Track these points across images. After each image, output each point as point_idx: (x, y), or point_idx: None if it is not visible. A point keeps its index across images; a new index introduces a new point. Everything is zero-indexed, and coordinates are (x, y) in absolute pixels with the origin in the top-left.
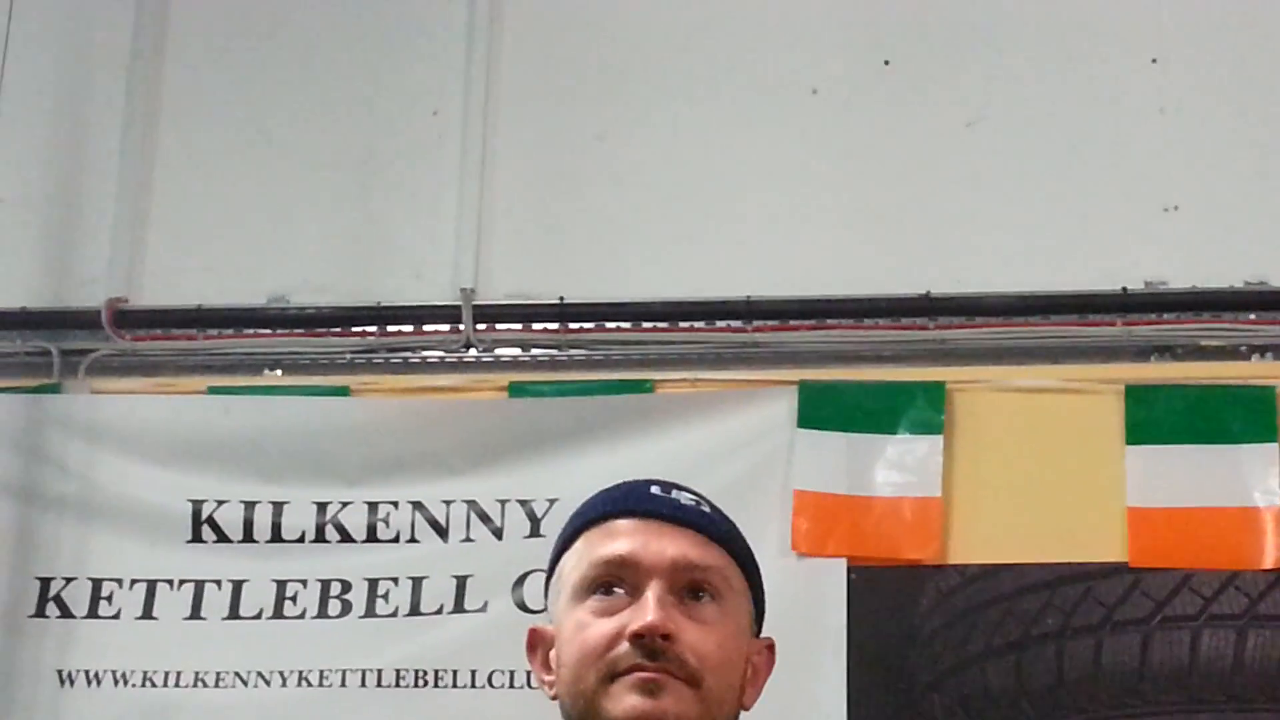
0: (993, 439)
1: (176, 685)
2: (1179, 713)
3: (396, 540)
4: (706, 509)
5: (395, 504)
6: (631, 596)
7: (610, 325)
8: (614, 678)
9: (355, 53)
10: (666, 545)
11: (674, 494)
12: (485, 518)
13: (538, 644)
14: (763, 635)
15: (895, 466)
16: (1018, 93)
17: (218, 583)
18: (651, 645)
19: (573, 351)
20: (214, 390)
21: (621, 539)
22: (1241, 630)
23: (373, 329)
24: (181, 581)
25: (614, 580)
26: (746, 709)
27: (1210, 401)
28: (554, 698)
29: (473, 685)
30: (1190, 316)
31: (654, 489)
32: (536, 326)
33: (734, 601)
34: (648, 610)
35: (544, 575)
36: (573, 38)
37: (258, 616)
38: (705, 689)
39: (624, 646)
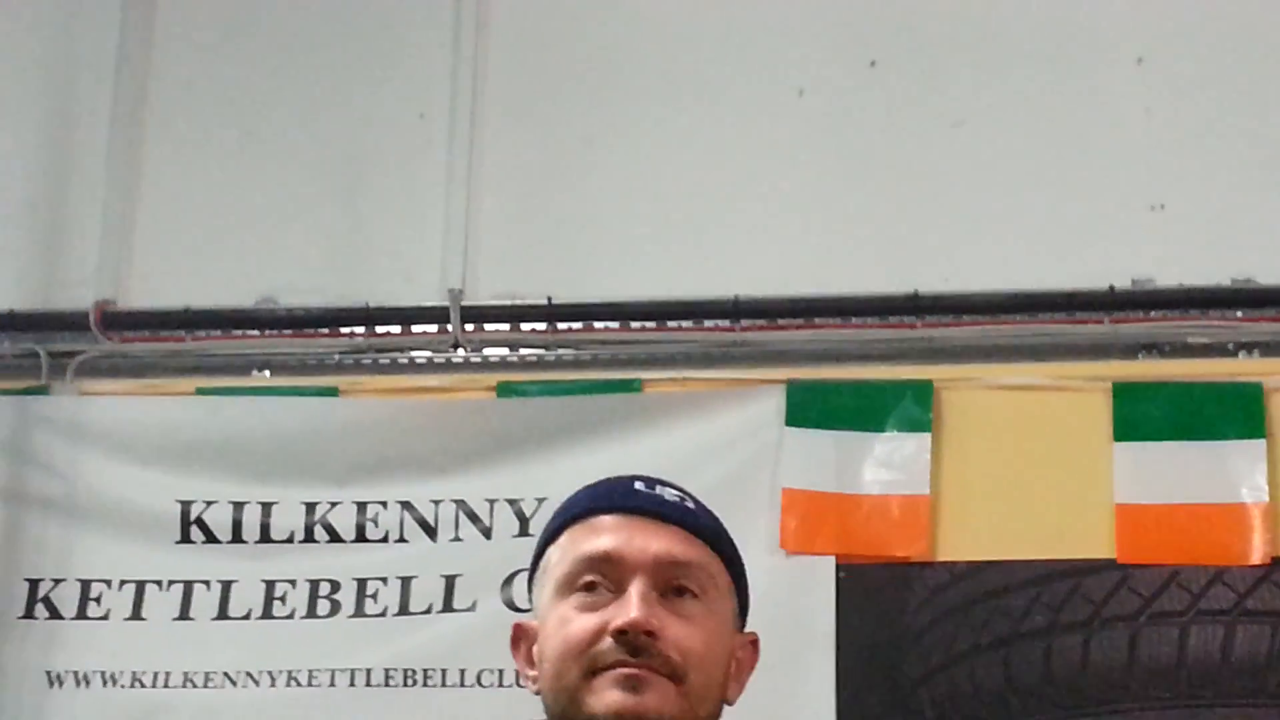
0: (981, 437)
1: (165, 686)
2: (1168, 708)
3: (385, 540)
4: (690, 505)
5: (384, 504)
6: (615, 592)
7: (598, 325)
8: (596, 673)
9: (343, 56)
10: (650, 541)
11: (658, 490)
12: (474, 517)
13: (521, 639)
14: (748, 630)
15: (883, 464)
16: (1004, 93)
17: (206, 583)
18: (634, 642)
19: (561, 351)
20: (202, 391)
21: (605, 535)
22: (1229, 626)
23: (361, 330)
24: (170, 582)
25: (597, 576)
26: (730, 704)
27: (1198, 398)
28: (537, 692)
29: (462, 684)
30: (1177, 314)
31: (638, 485)
32: (524, 327)
33: (717, 597)
34: (631, 607)
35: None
36: (559, 40)
37: (247, 617)
38: (688, 685)
39: (607, 642)
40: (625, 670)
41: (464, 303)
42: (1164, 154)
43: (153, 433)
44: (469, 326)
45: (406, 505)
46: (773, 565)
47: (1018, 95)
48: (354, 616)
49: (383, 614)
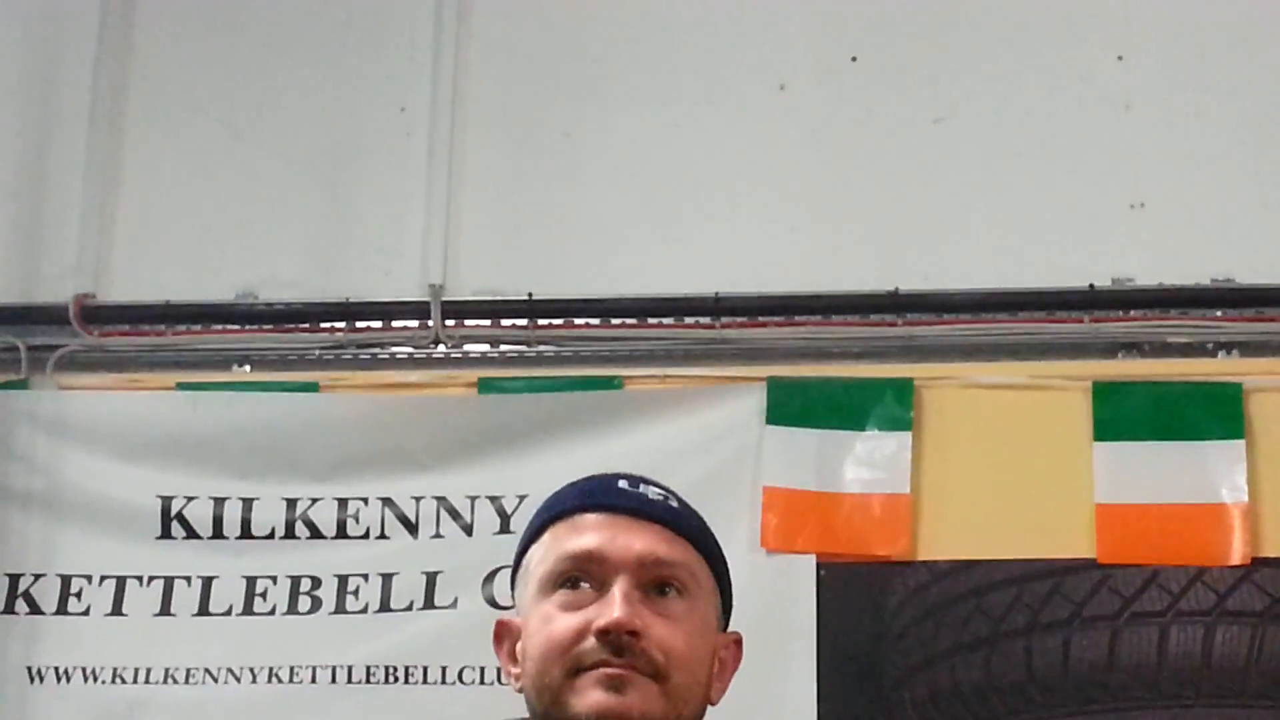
0: (961, 435)
1: (146, 682)
2: (1147, 708)
3: (366, 536)
4: (674, 503)
5: (365, 500)
6: (598, 591)
7: (579, 321)
8: (579, 672)
9: (324, 48)
10: (634, 540)
11: (642, 488)
12: (455, 514)
13: (504, 636)
14: (731, 630)
15: (864, 463)
16: (985, 89)
17: (187, 579)
18: (618, 642)
19: (541, 348)
20: (182, 386)
21: (588, 534)
22: (1209, 626)
23: (341, 325)
24: (151, 578)
25: (580, 575)
26: (713, 704)
27: (1177, 398)
28: (520, 690)
29: (443, 681)
30: (1157, 313)
31: (622, 483)
32: (505, 323)
33: (701, 596)
34: (614, 606)
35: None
36: (541, 34)
37: (228, 613)
38: (671, 685)
39: (590, 642)
40: (608, 670)
41: (445, 298)
42: (1144, 152)
43: (133, 428)
44: (450, 322)
45: (388, 501)
46: (753, 563)
47: (998, 92)
48: (335, 613)
49: (364, 611)
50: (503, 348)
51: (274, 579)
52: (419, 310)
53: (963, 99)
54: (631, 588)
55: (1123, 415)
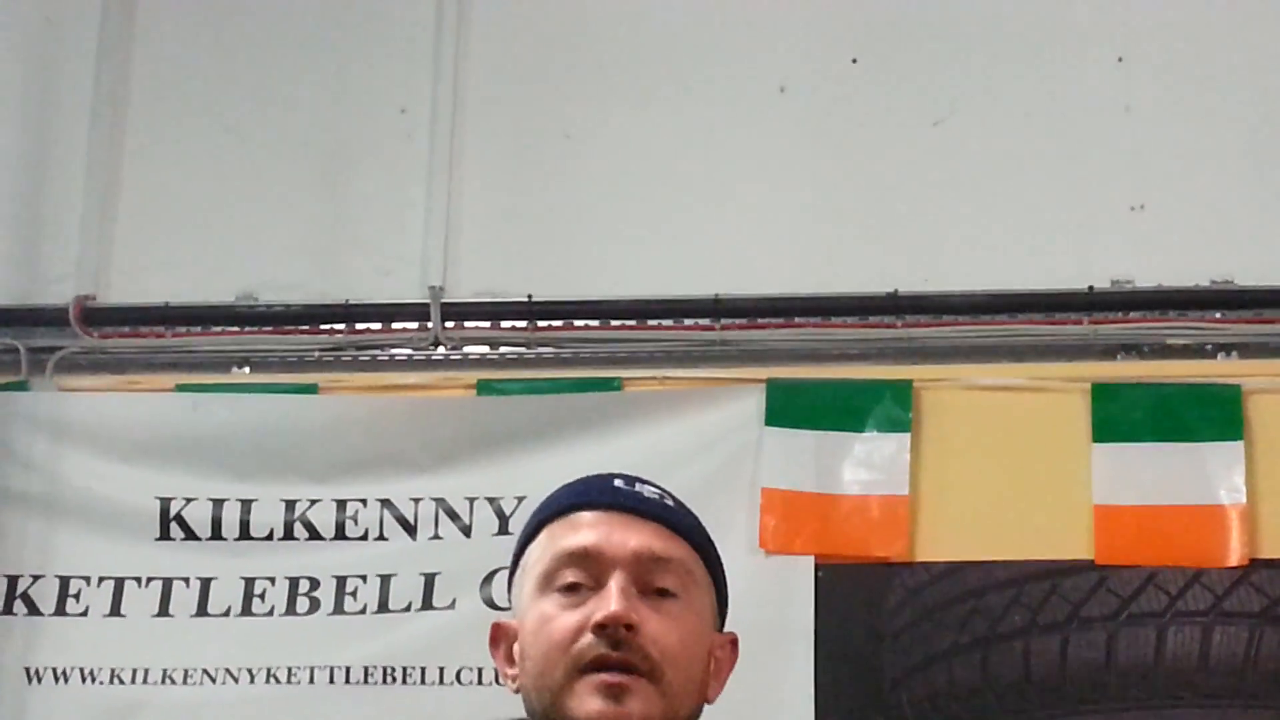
0: (960, 437)
1: (144, 683)
2: (1145, 709)
3: (365, 538)
4: (670, 502)
5: (364, 502)
6: (595, 588)
7: (578, 323)
8: (580, 672)
9: (324, 50)
10: (630, 537)
11: (637, 487)
12: (453, 515)
13: (500, 638)
14: (727, 630)
15: (863, 464)
16: (985, 91)
17: (186, 580)
18: (615, 635)
19: (541, 349)
20: (182, 388)
21: (585, 531)
22: (1207, 627)
23: (341, 327)
24: (149, 579)
25: (577, 572)
26: (709, 703)
27: (1176, 400)
28: (517, 690)
29: (441, 682)
30: (1156, 315)
31: (617, 482)
32: (505, 324)
33: (697, 594)
34: (610, 601)
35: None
36: (541, 35)
37: (226, 614)
38: (667, 683)
39: (588, 638)
40: (607, 677)
41: (444, 300)
42: (1144, 154)
43: (132, 429)
44: (449, 324)
45: (386, 503)
46: (752, 565)
47: (998, 94)
48: (333, 614)
49: (362, 611)
50: (502, 349)
51: (272, 580)
52: (418, 312)
53: (962, 101)
54: (628, 583)
55: (1121, 417)
